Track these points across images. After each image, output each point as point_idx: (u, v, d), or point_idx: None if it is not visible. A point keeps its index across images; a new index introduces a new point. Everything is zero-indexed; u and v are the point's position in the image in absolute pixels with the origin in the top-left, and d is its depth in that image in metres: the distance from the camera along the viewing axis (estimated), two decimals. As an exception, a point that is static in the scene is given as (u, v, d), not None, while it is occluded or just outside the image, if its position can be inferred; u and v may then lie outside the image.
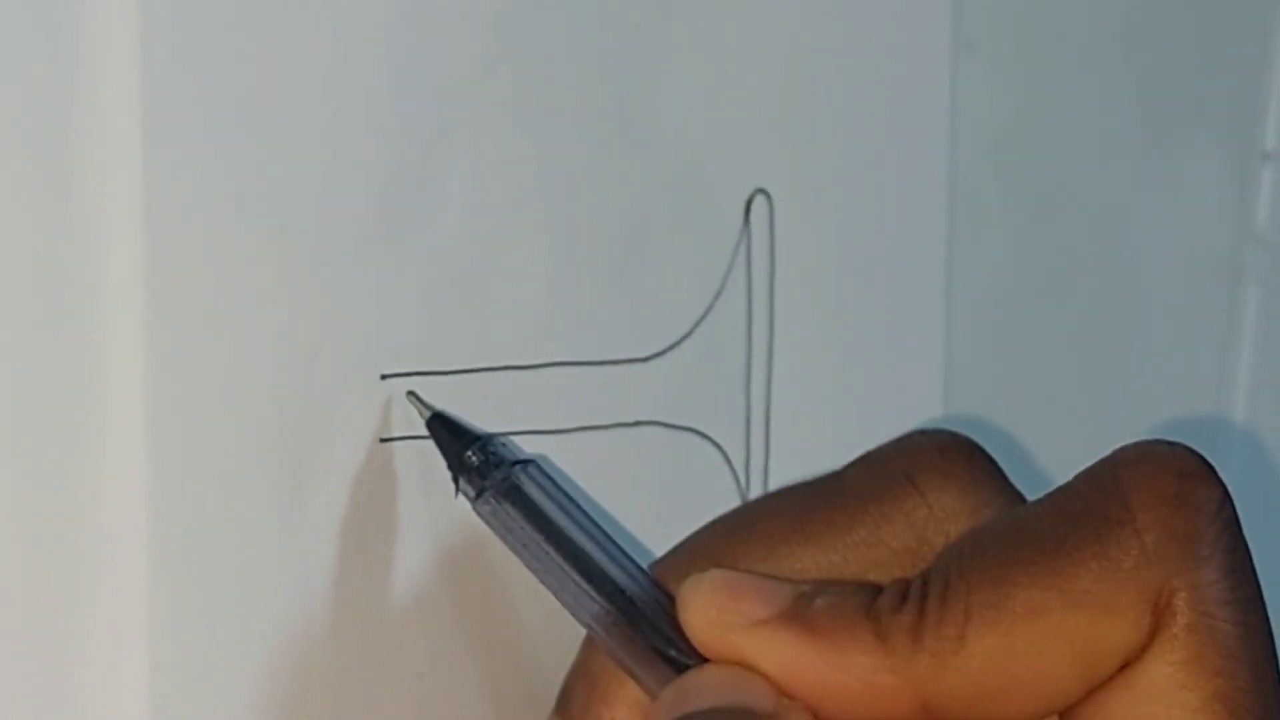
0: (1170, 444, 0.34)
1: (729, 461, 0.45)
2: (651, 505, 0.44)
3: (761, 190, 0.45)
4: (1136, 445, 0.34)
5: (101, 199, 0.35)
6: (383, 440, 0.39)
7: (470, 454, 0.38)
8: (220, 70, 0.36)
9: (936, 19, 0.48)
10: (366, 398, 0.39)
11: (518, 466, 0.38)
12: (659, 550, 0.39)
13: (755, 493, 0.46)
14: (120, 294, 0.36)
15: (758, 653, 0.34)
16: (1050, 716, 0.33)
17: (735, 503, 0.45)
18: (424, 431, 0.40)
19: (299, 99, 0.37)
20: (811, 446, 0.47)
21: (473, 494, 0.38)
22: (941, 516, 0.35)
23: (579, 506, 0.38)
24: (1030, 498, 0.35)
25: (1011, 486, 0.36)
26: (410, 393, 0.39)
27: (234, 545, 0.37)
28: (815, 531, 0.35)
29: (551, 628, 0.39)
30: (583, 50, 0.42)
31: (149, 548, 0.36)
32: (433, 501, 0.40)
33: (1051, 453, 0.50)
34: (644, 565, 0.37)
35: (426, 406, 0.39)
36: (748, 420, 0.46)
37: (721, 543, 0.36)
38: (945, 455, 0.35)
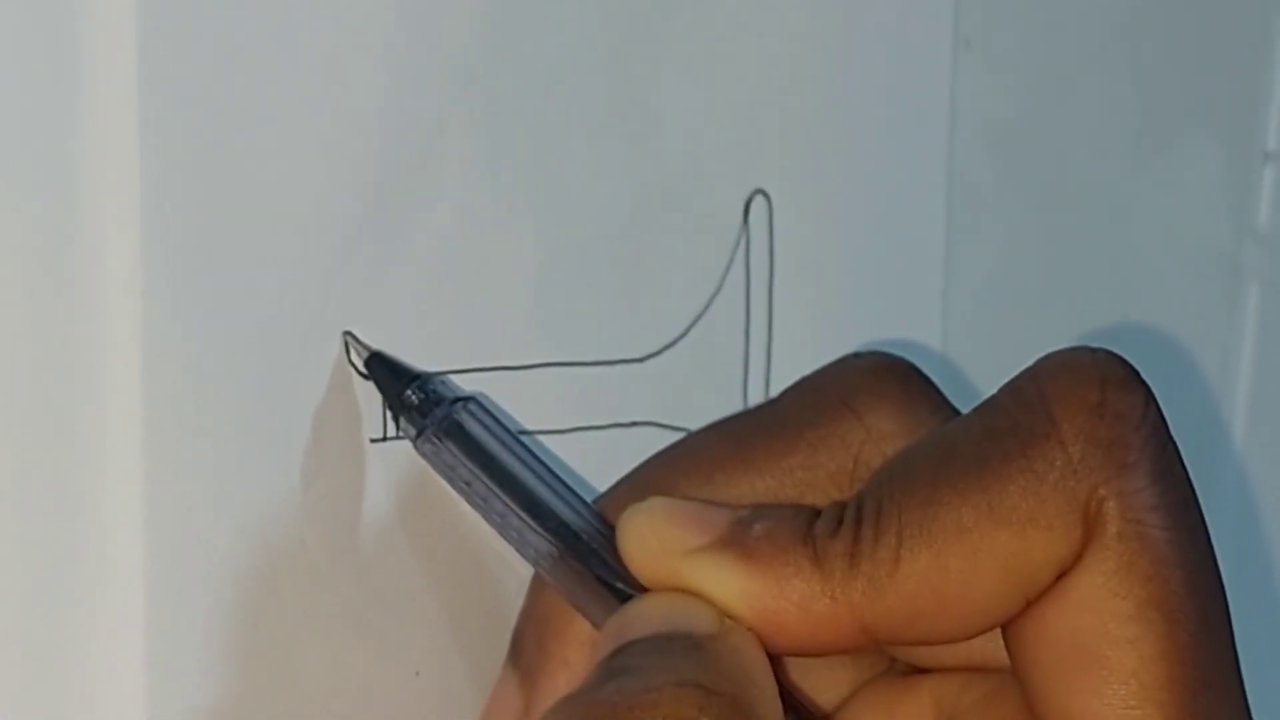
0: (1092, 350, 0.34)
1: None
2: None
3: (760, 190, 0.45)
4: (1058, 354, 0.34)
5: (97, 198, 0.35)
6: (373, 441, 0.39)
7: (410, 392, 0.38)
8: (215, 68, 0.36)
9: (936, 16, 0.48)
10: (359, 397, 0.39)
11: (459, 403, 0.38)
12: None
13: None
14: (116, 291, 0.36)
15: (696, 580, 0.34)
16: (989, 630, 0.33)
17: None
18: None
19: (293, 97, 0.37)
20: None
21: (413, 433, 0.38)
22: (877, 437, 0.35)
23: (521, 443, 0.37)
24: None
25: (948, 405, 0.35)
26: (346, 333, 0.39)
27: (227, 544, 0.37)
28: (753, 458, 0.35)
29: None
30: (580, 48, 0.42)
31: (145, 548, 0.36)
32: (427, 501, 0.40)
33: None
34: (589, 500, 0.37)
35: (364, 346, 0.39)
36: None
37: (661, 473, 0.36)
38: (880, 377, 0.35)
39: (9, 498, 0.35)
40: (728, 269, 0.45)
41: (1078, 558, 0.32)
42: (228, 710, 0.38)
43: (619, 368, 0.43)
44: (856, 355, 0.36)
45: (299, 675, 0.39)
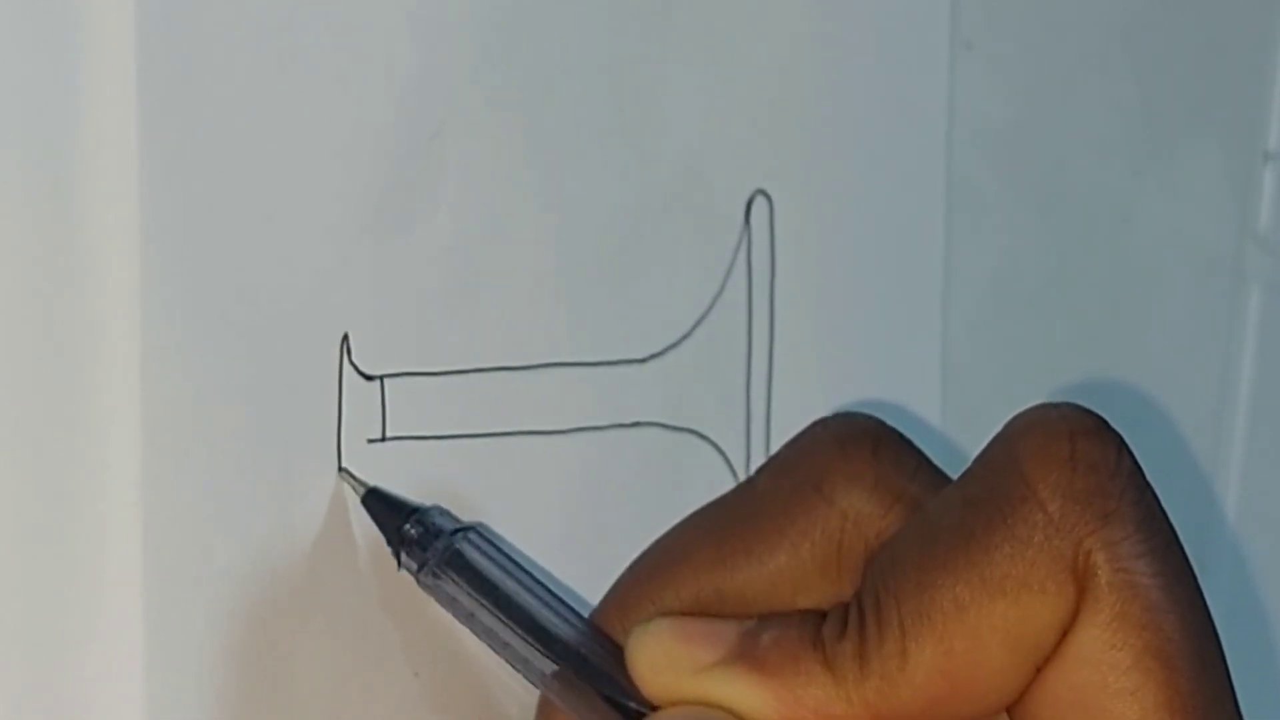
0: (1056, 405, 0.34)
1: (728, 463, 0.45)
2: (650, 507, 0.43)
3: (762, 191, 0.45)
4: (1025, 414, 0.34)
5: (96, 202, 0.35)
6: (370, 441, 0.39)
7: (409, 527, 0.38)
8: (216, 70, 0.36)
9: (935, 18, 0.48)
10: (359, 398, 0.39)
11: (458, 534, 0.38)
12: None
13: None
14: (115, 296, 0.36)
15: (711, 695, 0.34)
16: (1007, 705, 0.33)
17: None
18: (416, 432, 0.40)
19: (295, 99, 0.37)
20: None
21: (415, 567, 0.38)
22: (855, 521, 0.35)
23: (522, 567, 0.38)
24: None
25: (925, 466, 0.35)
26: (343, 469, 0.39)
27: (226, 546, 0.37)
28: (737, 562, 0.35)
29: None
30: (582, 50, 0.42)
31: (143, 551, 0.36)
32: (425, 499, 0.39)
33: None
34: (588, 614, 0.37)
35: (360, 484, 0.39)
36: (748, 421, 0.46)
37: (648, 585, 0.36)
38: (847, 453, 0.35)
39: (7, 501, 0.35)
40: (729, 269, 0.45)
41: (1075, 615, 0.32)
42: (226, 713, 0.37)
43: (621, 368, 0.43)
44: (823, 424, 0.36)
45: (297, 679, 0.39)
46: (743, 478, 0.45)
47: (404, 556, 0.38)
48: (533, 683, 0.37)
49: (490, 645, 0.37)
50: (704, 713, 0.34)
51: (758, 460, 0.45)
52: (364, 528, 0.39)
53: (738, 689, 0.34)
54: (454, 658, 0.41)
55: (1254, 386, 0.52)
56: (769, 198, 0.45)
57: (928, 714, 0.33)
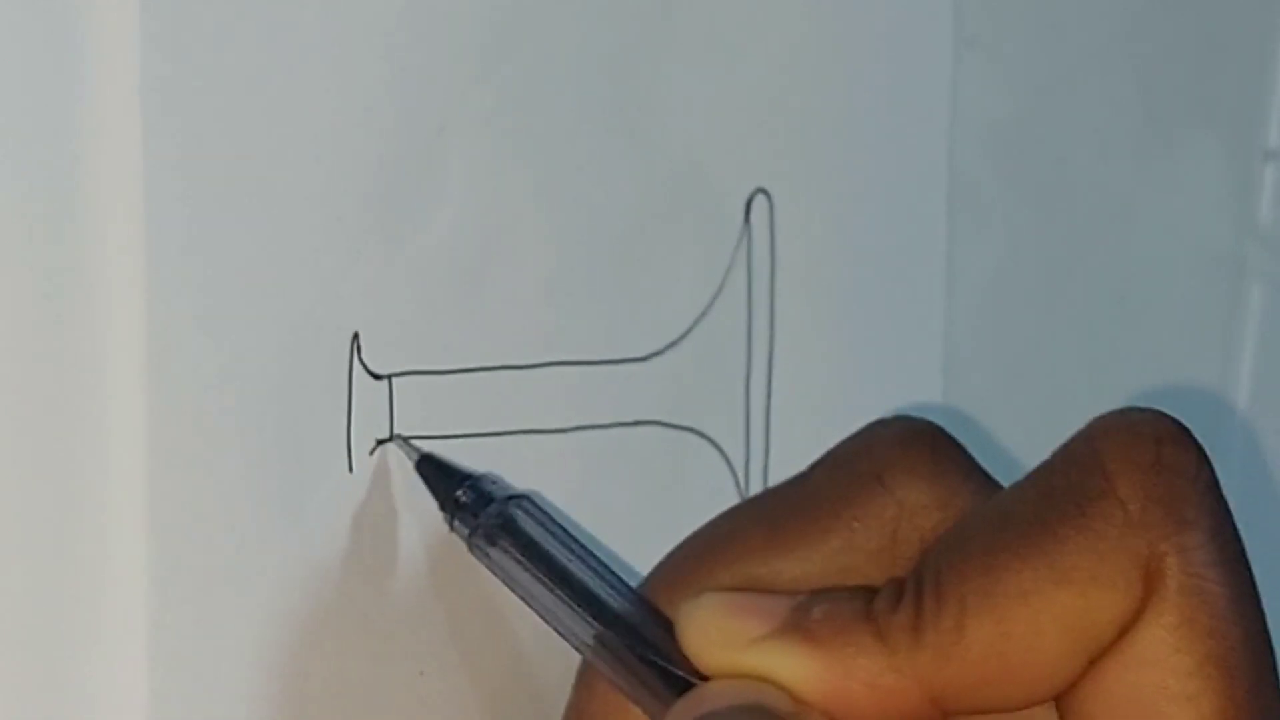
0: (1143, 410, 0.34)
1: (728, 461, 0.45)
2: (651, 505, 0.44)
3: (762, 190, 0.45)
4: (1110, 415, 0.34)
5: (102, 196, 0.35)
6: (380, 441, 0.39)
7: (461, 493, 0.38)
8: (219, 68, 0.36)
9: (937, 15, 0.48)
10: (364, 397, 0.39)
11: (511, 501, 0.38)
12: (656, 550, 0.38)
13: (754, 492, 0.45)
14: (121, 294, 0.36)
15: (764, 668, 0.34)
16: (1056, 694, 0.33)
17: (734, 502, 0.45)
18: (422, 431, 0.40)
19: (297, 97, 0.37)
20: (811, 446, 0.44)
21: (466, 532, 0.38)
22: (912, 512, 0.35)
23: (573, 537, 0.38)
24: (1007, 483, 0.35)
25: (978, 469, 0.35)
26: (398, 435, 0.39)
27: (233, 545, 0.37)
28: (790, 544, 0.35)
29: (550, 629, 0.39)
30: (583, 48, 0.42)
31: (149, 550, 0.36)
32: (431, 500, 0.40)
33: (1057, 441, 0.50)
34: (634, 586, 0.37)
35: (414, 449, 0.39)
36: (747, 420, 0.46)
37: (702, 562, 0.36)
38: (907, 449, 0.35)
39: (12, 502, 0.35)
40: (730, 268, 0.45)
41: (1138, 614, 0.32)
42: (229, 709, 0.38)
43: (622, 367, 0.43)
44: (883, 424, 0.36)
45: (303, 677, 0.39)
46: (742, 476, 0.45)
47: (456, 522, 0.38)
48: (580, 651, 0.37)
49: (538, 612, 0.37)
50: (755, 685, 0.34)
51: (757, 459, 0.46)
52: (373, 527, 0.39)
53: (789, 660, 0.33)
54: (461, 657, 0.41)
55: (1254, 383, 0.52)
56: (769, 196, 0.45)
57: (976, 693, 0.33)
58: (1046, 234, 0.50)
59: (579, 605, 0.37)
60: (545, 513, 0.38)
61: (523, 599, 0.38)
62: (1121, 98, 0.50)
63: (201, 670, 0.37)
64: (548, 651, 0.40)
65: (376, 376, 0.39)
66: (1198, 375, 0.52)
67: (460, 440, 0.40)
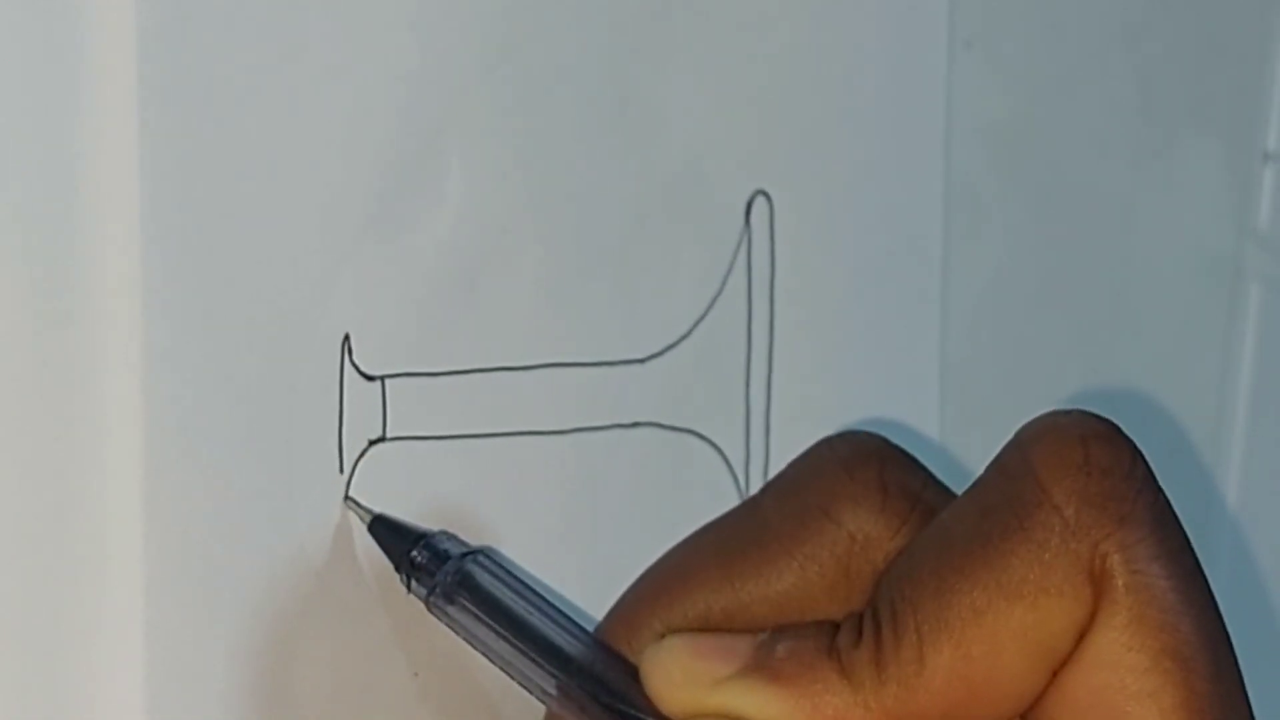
0: (1068, 412, 0.34)
1: (728, 462, 0.45)
2: (649, 507, 0.44)
3: (762, 192, 0.45)
4: (1037, 420, 0.34)
5: (98, 196, 0.35)
6: (372, 442, 0.39)
7: (415, 553, 0.38)
8: (217, 70, 0.36)
9: (934, 17, 0.47)
10: (360, 398, 0.39)
11: (467, 558, 0.38)
12: (654, 553, 0.39)
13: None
14: (117, 293, 0.36)
15: (729, 707, 0.34)
16: (1024, 710, 0.33)
17: (734, 504, 0.44)
18: (417, 432, 0.40)
19: (294, 99, 0.37)
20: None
21: (424, 592, 0.38)
22: (863, 544, 0.35)
23: (530, 588, 0.38)
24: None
25: (930, 485, 0.35)
26: (348, 498, 0.39)
27: (226, 544, 0.37)
28: (743, 583, 0.36)
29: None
30: (583, 50, 0.42)
31: (145, 547, 0.36)
32: (425, 500, 0.40)
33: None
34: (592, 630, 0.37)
35: (366, 511, 0.39)
36: (747, 421, 0.46)
37: (659, 601, 0.36)
38: (855, 475, 0.35)
39: (8, 503, 0.35)
40: (729, 270, 0.45)
41: (1092, 618, 0.33)
42: (224, 708, 0.38)
43: (620, 368, 0.43)
44: (830, 445, 0.36)
45: (296, 677, 0.39)
46: (741, 478, 0.45)
47: (413, 583, 0.38)
48: (543, 702, 0.37)
49: (499, 666, 0.37)
50: None
51: (757, 460, 0.46)
52: (363, 528, 0.39)
53: (755, 699, 0.34)
54: (454, 658, 0.40)
55: (1254, 383, 0.52)
56: (769, 197, 0.45)
57: (947, 718, 0.33)
58: (1044, 235, 0.50)
59: (539, 657, 0.37)
60: (502, 566, 0.38)
61: (484, 654, 0.37)
62: (1120, 99, 0.50)
63: (196, 669, 0.37)
64: None
65: (369, 378, 0.39)
66: (1197, 375, 0.52)
67: (458, 441, 0.40)
